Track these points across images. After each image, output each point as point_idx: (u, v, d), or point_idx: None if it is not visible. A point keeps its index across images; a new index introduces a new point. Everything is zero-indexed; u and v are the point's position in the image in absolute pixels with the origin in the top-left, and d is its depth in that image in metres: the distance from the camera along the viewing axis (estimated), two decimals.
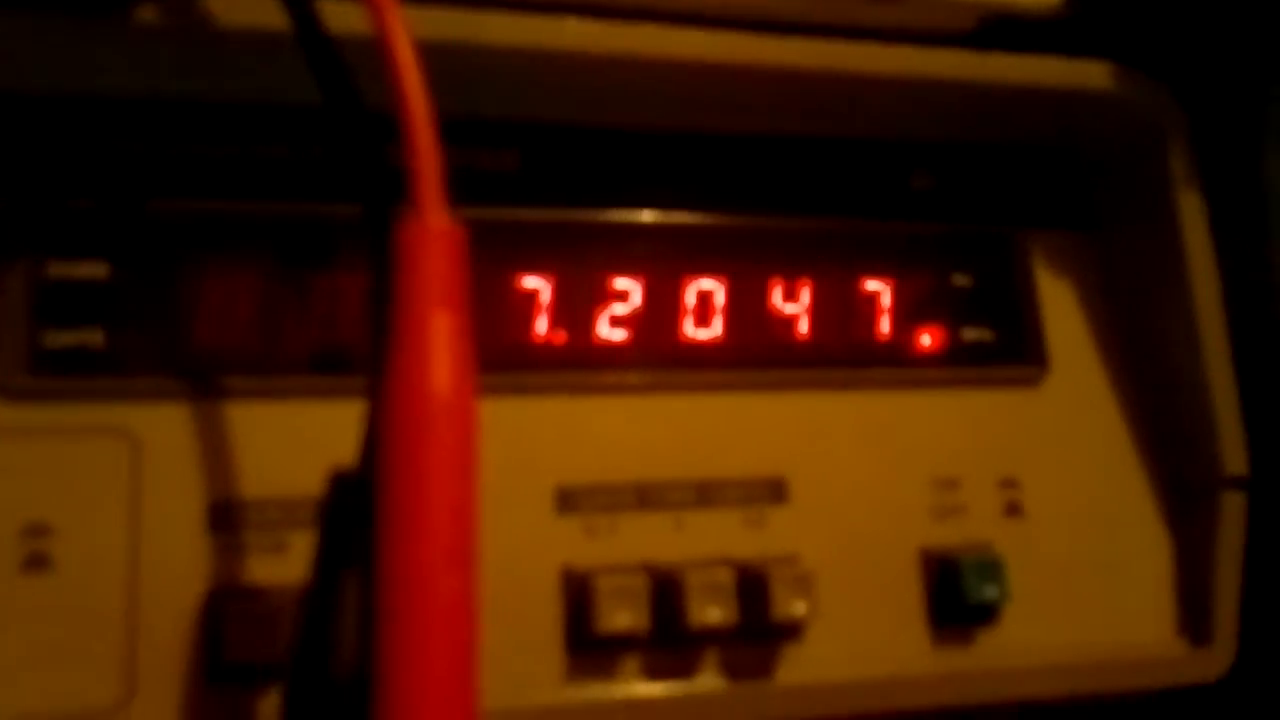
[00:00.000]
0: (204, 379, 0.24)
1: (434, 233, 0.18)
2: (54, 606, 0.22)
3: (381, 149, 0.19)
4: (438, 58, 0.24)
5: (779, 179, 0.29)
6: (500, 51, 0.25)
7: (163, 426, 0.23)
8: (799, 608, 0.25)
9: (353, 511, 0.17)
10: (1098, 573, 0.29)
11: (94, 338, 0.24)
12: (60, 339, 0.23)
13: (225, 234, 0.25)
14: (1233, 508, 0.29)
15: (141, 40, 0.22)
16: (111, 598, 0.23)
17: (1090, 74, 0.29)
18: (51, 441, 0.23)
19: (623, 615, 0.24)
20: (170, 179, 0.24)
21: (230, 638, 0.22)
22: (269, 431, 0.24)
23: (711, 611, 0.24)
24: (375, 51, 0.19)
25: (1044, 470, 0.29)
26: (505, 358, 0.26)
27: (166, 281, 0.24)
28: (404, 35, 0.19)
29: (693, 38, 0.27)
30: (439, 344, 0.17)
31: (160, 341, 0.24)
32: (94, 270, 0.24)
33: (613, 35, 0.26)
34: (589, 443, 0.26)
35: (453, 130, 0.26)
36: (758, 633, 0.25)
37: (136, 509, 0.23)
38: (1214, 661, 0.29)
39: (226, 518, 0.23)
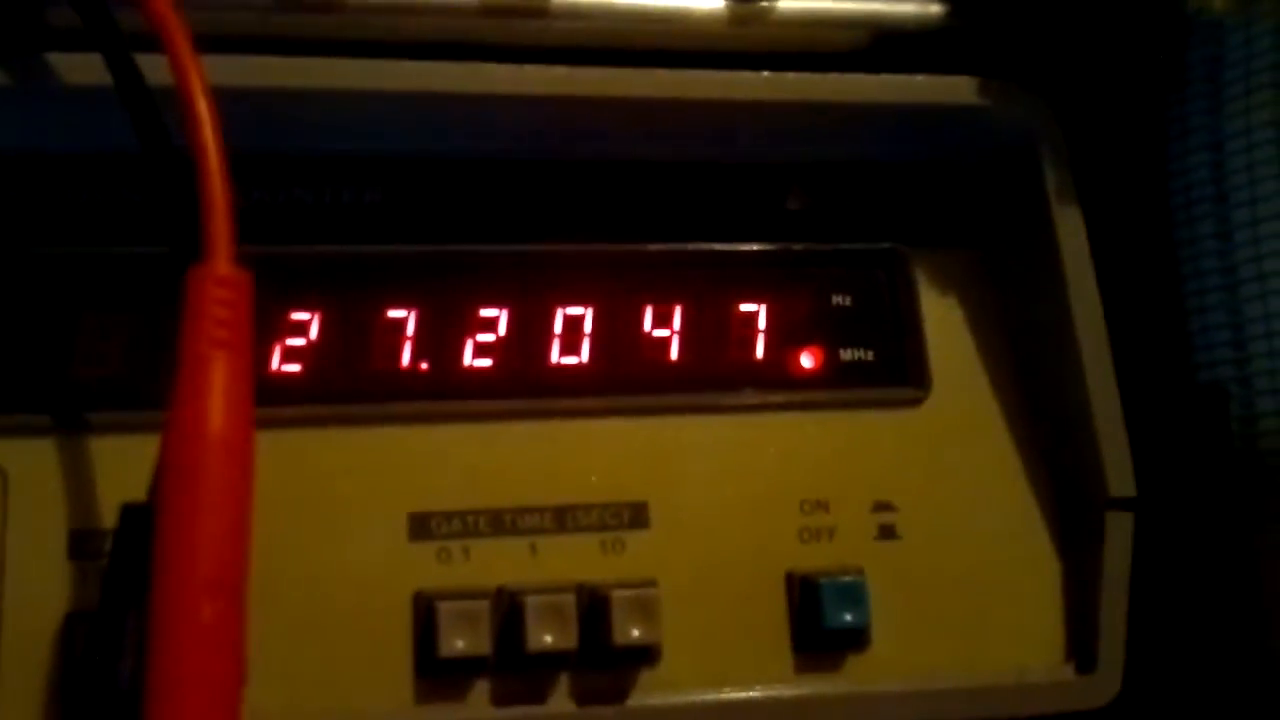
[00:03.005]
0: (72, 414, 0.27)
1: (216, 278, 0.20)
2: None
3: (185, 197, 0.22)
4: (293, 102, 0.28)
5: (650, 205, 0.31)
6: (353, 94, 0.28)
7: (29, 459, 0.26)
8: (639, 632, 0.27)
9: (136, 540, 0.19)
10: (979, 597, 0.30)
11: None
12: None
13: (95, 276, 0.28)
14: (1119, 529, 0.30)
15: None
16: None
17: (963, 88, 0.31)
18: None
19: (463, 639, 0.26)
20: (38, 227, 0.27)
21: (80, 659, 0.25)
22: (132, 463, 0.27)
23: (548, 636, 0.26)
24: (176, 103, 0.22)
25: (923, 493, 0.31)
26: (369, 387, 0.29)
27: (41, 323, 0.27)
28: (201, 90, 0.21)
29: (553, 75, 0.29)
30: (215, 385, 0.20)
31: (31, 379, 0.27)
32: None
33: (473, 76, 0.28)
34: (446, 470, 0.28)
35: (319, 167, 0.30)
36: (603, 657, 0.27)
37: (2, 535, 0.26)
38: (1100, 688, 0.30)
39: (86, 546, 0.26)
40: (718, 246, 0.32)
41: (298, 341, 0.29)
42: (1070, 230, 0.31)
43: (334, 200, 0.30)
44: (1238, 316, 0.33)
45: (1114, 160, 0.34)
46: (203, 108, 0.21)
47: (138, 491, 0.26)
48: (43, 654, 0.25)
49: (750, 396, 0.31)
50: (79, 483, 0.26)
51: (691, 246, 0.31)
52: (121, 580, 0.20)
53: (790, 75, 0.30)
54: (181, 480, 0.19)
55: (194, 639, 0.18)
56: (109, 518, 0.26)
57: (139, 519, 0.20)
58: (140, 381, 0.27)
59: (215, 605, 0.18)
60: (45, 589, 0.26)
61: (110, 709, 0.19)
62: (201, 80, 0.21)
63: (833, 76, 0.30)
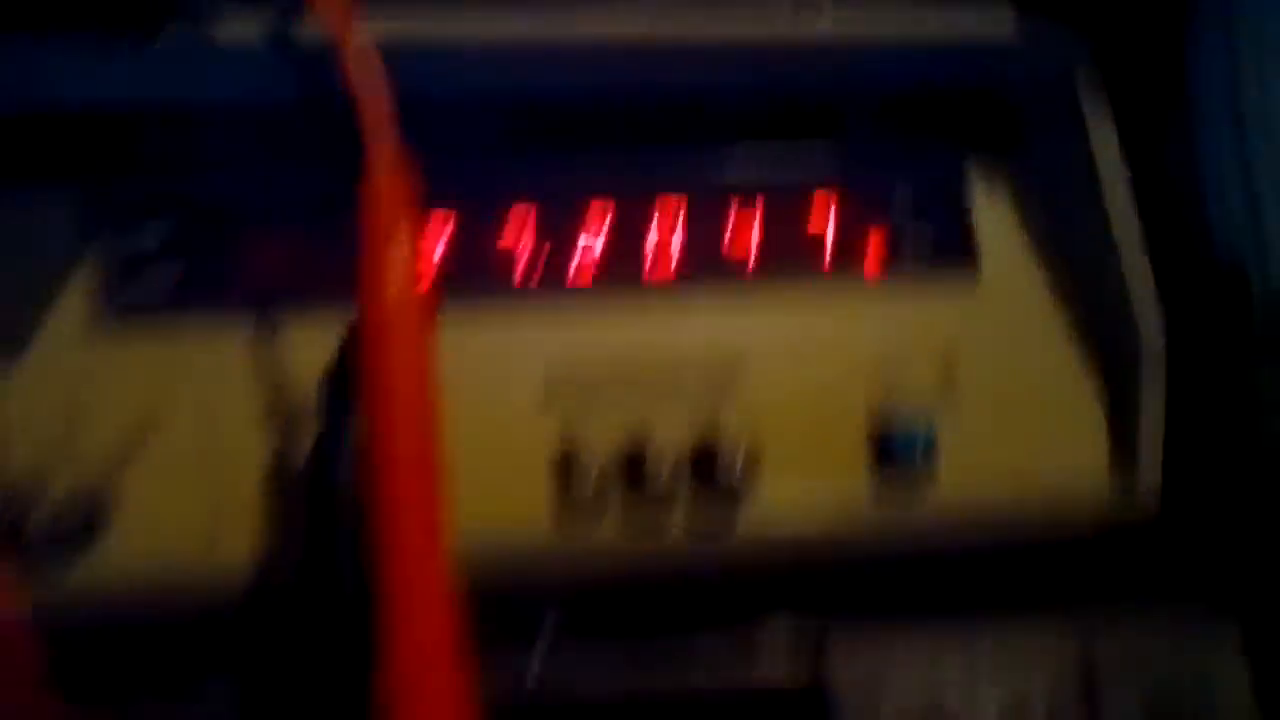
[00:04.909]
0: (256, 315, 0.33)
1: (384, 188, 0.26)
2: None
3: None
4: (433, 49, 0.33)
5: (734, 115, 0.37)
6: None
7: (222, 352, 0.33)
8: (745, 474, 0.33)
9: (342, 381, 0.26)
10: (1032, 437, 0.36)
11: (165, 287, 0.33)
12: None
13: (265, 200, 0.34)
14: (1153, 374, 0.35)
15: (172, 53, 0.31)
16: None
17: (1003, 21, 0.35)
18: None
19: (593, 483, 0.33)
20: (222, 162, 0.34)
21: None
22: (305, 349, 0.33)
23: (665, 479, 0.33)
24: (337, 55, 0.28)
25: (981, 351, 0.36)
26: (502, 274, 0.35)
27: (224, 241, 0.34)
28: (358, 43, 0.27)
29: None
30: (388, 267, 0.26)
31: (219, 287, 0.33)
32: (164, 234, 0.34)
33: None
34: (572, 343, 0.34)
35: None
36: (712, 497, 0.33)
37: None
38: (1142, 504, 0.35)
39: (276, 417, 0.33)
40: (797, 146, 0.37)
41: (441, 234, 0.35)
42: (1103, 139, 0.36)
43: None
44: (1251, 192, 0.36)
45: (1139, 63, 0.38)
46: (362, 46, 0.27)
47: (311, 370, 0.31)
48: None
49: (828, 274, 0.36)
50: (260, 368, 0.33)
51: (772, 143, 0.37)
52: (337, 412, 0.27)
53: (858, 13, 0.35)
54: (374, 340, 0.25)
55: (403, 450, 0.25)
56: (293, 395, 0.33)
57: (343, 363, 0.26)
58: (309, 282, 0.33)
59: (416, 435, 0.25)
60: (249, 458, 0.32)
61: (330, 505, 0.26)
62: (359, 34, 0.27)
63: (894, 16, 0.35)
